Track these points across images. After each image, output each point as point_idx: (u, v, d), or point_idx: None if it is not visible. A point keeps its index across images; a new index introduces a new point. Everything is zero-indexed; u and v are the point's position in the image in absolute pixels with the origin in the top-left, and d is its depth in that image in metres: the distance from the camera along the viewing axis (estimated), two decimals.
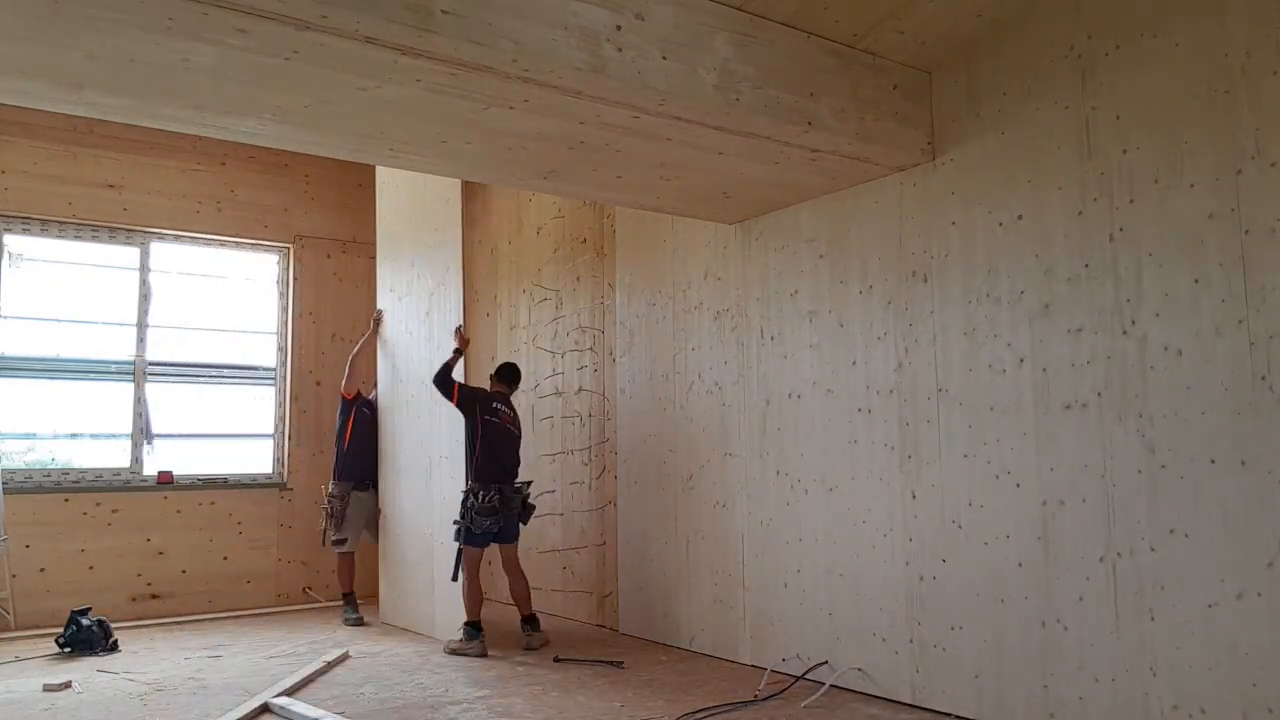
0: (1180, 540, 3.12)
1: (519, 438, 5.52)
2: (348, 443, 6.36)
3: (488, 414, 5.34)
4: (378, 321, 6.56)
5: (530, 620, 5.35)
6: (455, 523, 5.27)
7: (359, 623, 6.15)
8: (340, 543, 6.29)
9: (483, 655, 5.08)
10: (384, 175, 6.75)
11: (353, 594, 6.35)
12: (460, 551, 5.24)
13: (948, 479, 3.89)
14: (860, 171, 4.19)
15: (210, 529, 6.76)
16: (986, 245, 3.82)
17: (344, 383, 6.43)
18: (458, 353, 5.48)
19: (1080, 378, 3.44)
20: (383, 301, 6.61)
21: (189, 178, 6.92)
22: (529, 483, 5.55)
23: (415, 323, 6.14)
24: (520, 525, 5.45)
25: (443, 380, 5.29)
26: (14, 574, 6.01)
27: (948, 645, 3.85)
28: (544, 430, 6.54)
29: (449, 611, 5.44)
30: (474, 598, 5.22)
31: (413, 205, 6.28)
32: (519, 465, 5.50)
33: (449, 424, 5.53)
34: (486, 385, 5.71)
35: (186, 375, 6.99)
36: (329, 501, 6.30)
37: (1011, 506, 3.64)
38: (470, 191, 7.60)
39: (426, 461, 5.83)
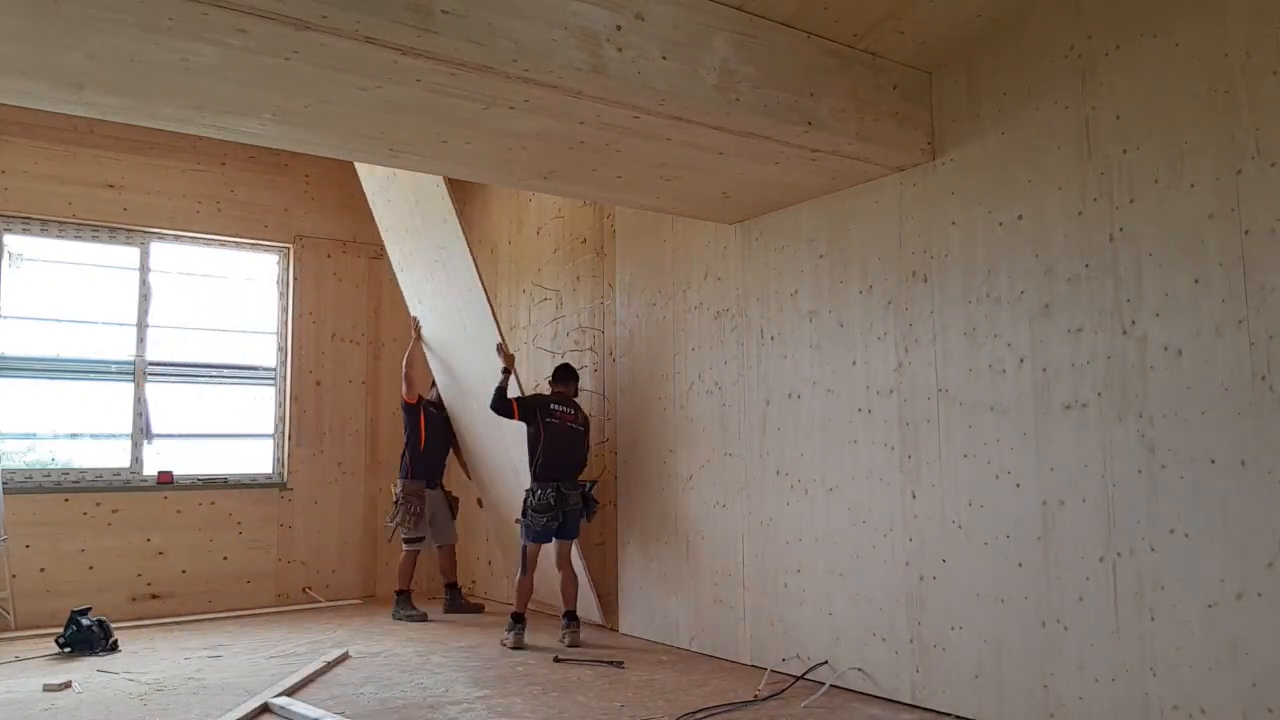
0: (1180, 540, 3.12)
1: (583, 433, 5.60)
2: (423, 444, 6.49)
3: (548, 416, 5.45)
4: (418, 329, 6.71)
5: (570, 616, 5.43)
6: (516, 521, 5.50)
7: (419, 618, 6.19)
8: (418, 540, 6.39)
9: (519, 648, 5.26)
10: (370, 185, 6.66)
11: (409, 593, 6.40)
12: (524, 548, 5.44)
13: (948, 479, 3.89)
14: (860, 171, 4.19)
15: (210, 529, 6.77)
16: (986, 245, 3.82)
17: (404, 391, 6.57)
18: (506, 372, 5.56)
19: (1080, 378, 3.44)
20: (414, 309, 6.77)
21: (189, 178, 6.92)
22: (594, 483, 5.59)
23: (454, 337, 6.32)
24: (584, 521, 5.54)
25: (500, 403, 5.42)
26: (14, 574, 6.01)
27: (948, 645, 3.85)
28: None
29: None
30: (524, 593, 5.45)
31: (411, 214, 6.26)
32: (584, 463, 5.60)
33: (518, 427, 5.62)
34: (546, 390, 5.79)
35: (186, 375, 6.99)
36: (407, 500, 6.35)
37: (1011, 506, 3.64)
38: (470, 191, 7.60)
39: (510, 462, 6.01)
